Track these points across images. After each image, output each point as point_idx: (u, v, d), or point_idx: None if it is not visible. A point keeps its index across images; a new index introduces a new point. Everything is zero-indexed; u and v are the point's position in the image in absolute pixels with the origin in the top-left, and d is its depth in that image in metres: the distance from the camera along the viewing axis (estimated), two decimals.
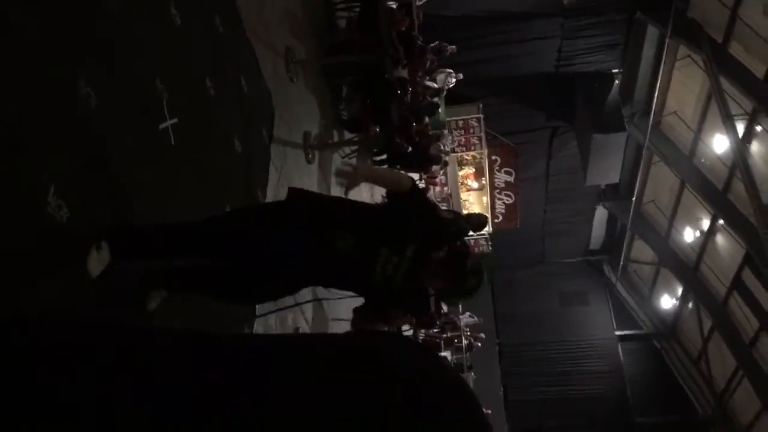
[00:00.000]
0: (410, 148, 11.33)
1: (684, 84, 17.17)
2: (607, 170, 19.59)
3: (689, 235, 19.51)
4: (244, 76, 5.70)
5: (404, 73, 10.43)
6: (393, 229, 2.99)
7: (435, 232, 3.13)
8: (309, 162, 7.87)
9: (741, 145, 14.21)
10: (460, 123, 20.29)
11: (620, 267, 25.04)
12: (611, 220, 25.08)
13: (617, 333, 25.83)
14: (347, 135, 10.77)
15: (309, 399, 1.07)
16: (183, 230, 3.12)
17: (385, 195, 3.23)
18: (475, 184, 22.73)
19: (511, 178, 22.16)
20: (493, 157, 21.57)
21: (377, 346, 1.27)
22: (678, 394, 23.62)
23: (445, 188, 19.76)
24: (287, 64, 7.36)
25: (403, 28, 10.39)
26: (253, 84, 5.94)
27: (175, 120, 3.82)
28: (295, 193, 3.27)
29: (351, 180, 2.98)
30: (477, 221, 7.28)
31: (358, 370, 1.16)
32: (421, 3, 13.16)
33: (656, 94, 17.68)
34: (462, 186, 22.24)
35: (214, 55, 4.98)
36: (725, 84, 14.30)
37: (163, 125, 3.73)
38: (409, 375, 1.15)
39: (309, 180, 7.66)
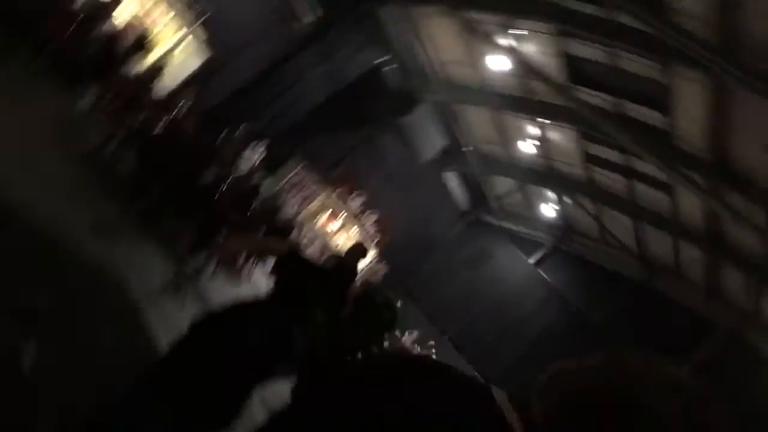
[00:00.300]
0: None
1: (441, 34, 18.31)
2: (430, 141, 20.46)
3: (529, 147, 20.71)
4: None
5: (211, 174, 10.37)
6: (293, 305, 2.99)
7: (331, 287, 3.15)
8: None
9: (516, 52, 15.39)
10: (291, 182, 20.43)
11: (494, 208, 26.20)
12: (463, 177, 26.18)
13: (531, 261, 26.88)
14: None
15: None
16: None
17: (270, 274, 3.21)
18: (338, 223, 22.88)
19: (362, 198, 22.52)
20: (338, 191, 21.83)
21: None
22: (611, 276, 24.86)
23: (314, 245, 19.77)
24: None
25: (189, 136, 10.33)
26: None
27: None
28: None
29: (222, 253, 3.04)
30: (357, 251, 7.30)
31: None
32: (188, 106, 13.13)
33: (424, 56, 18.77)
34: (327, 234, 22.31)
35: None
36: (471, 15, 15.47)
37: None
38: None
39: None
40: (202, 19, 15.93)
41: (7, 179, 5.26)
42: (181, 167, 8.51)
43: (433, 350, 19.40)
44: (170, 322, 6.10)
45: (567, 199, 23.82)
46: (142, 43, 12.43)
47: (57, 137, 7.83)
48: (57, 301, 4.38)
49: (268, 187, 17.04)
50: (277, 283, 3.17)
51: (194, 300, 7.22)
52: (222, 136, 13.74)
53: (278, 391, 2.94)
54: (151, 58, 13.50)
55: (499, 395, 1.21)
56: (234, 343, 2.94)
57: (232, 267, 10.00)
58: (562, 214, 25.00)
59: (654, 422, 1.03)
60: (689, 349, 19.10)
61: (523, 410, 1.14)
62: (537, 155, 21.15)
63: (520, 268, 26.88)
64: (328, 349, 3.02)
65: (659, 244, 21.87)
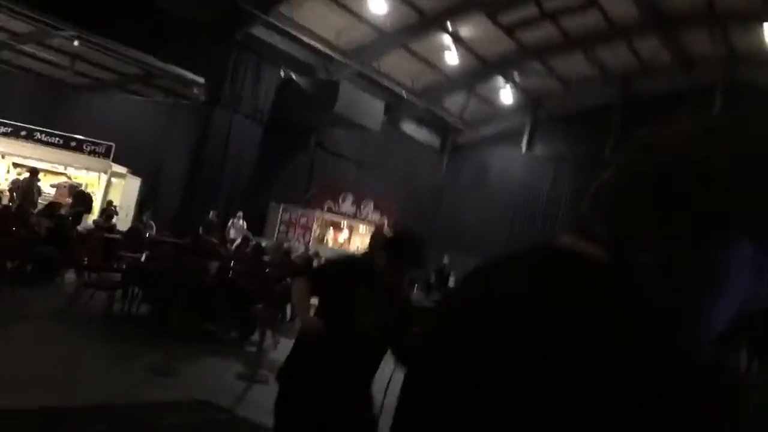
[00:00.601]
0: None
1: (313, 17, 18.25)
2: (370, 110, 20.34)
3: (453, 59, 20.65)
4: None
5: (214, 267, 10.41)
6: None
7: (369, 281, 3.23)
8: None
9: None
10: (287, 221, 20.59)
11: (462, 127, 26.22)
12: (418, 121, 26.18)
13: (523, 150, 26.93)
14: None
15: None
16: None
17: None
18: (345, 233, 22.97)
19: (350, 198, 22.56)
20: (325, 206, 21.86)
21: None
22: (597, 113, 24.89)
23: None
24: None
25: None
26: None
27: None
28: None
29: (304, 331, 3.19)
30: (381, 237, 7.37)
31: None
32: None
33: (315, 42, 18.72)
34: (343, 246, 22.41)
35: None
36: None
37: None
38: None
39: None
40: None
41: None
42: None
43: None
44: None
45: (516, 77, 23.83)
46: None
47: None
48: None
49: (270, 245, 17.04)
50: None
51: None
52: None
53: None
54: None
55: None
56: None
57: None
58: (519, 91, 24.97)
59: None
60: None
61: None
62: (462, 58, 21.15)
63: (518, 161, 26.89)
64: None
65: (617, 57, 21.92)
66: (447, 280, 16.27)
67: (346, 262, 3.57)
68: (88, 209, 15.02)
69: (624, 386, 0.65)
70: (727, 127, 0.83)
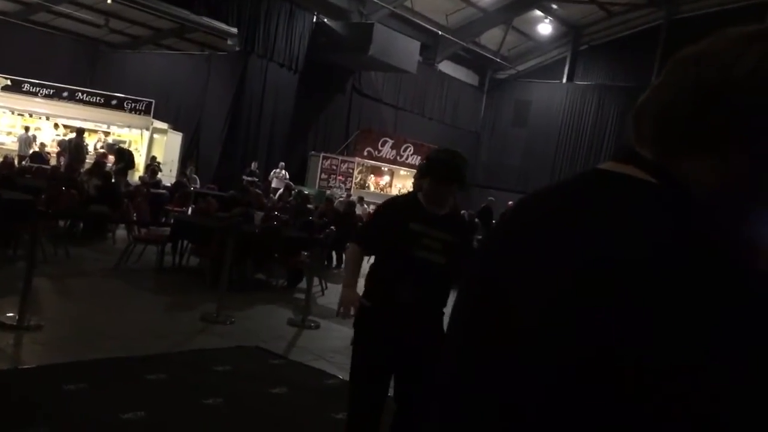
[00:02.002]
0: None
1: None
2: (406, 51, 20.00)
3: None
4: None
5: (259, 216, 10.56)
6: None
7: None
8: None
9: None
10: (328, 169, 20.70)
11: (502, 63, 25.58)
12: (457, 59, 25.66)
13: (564, 81, 26.26)
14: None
15: None
16: None
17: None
18: (386, 178, 22.98)
19: (390, 142, 22.45)
20: (365, 152, 21.83)
21: None
22: (640, 37, 24.01)
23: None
24: None
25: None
26: None
27: None
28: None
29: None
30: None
31: None
32: None
33: None
34: (384, 188, 22.44)
35: None
36: None
37: None
38: None
39: None
40: None
41: None
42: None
43: None
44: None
45: (553, 7, 23.03)
46: None
47: None
48: None
49: (312, 192, 17.14)
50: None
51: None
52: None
53: None
54: None
55: None
56: None
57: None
58: (558, 21, 24.18)
59: None
60: None
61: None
62: None
63: (558, 93, 26.27)
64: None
65: None
66: (491, 219, 16.17)
67: (389, 206, 3.47)
68: (131, 165, 15.27)
69: (702, 299, 0.60)
70: None
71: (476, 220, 16.64)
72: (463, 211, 6.16)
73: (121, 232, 10.57)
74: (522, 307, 0.70)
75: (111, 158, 15.89)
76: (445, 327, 3.08)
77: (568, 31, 25.03)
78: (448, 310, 2.92)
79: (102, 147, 18.12)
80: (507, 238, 0.81)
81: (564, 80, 26.15)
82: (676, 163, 0.73)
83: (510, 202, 17.24)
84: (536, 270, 0.71)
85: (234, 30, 17.94)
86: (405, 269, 3.08)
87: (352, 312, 3.20)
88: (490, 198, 18.24)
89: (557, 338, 0.65)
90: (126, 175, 14.62)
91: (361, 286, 3.31)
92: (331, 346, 6.34)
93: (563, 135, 25.76)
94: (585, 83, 25.72)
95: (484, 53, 25.41)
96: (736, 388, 0.58)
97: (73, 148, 15.92)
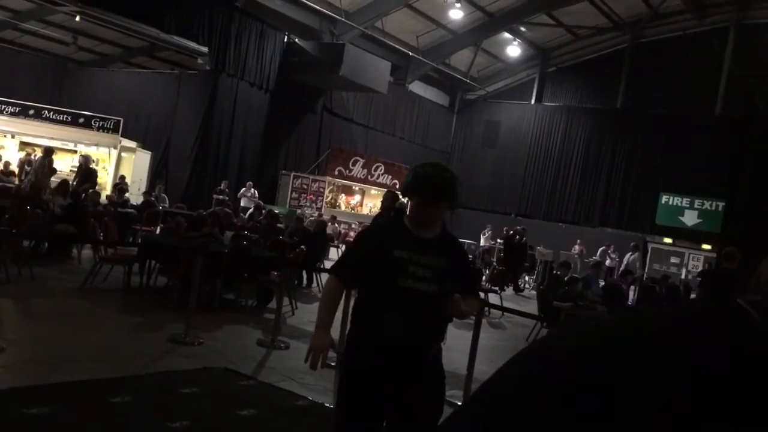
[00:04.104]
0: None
1: None
2: (377, 71, 20.14)
3: (457, 14, 20.32)
4: None
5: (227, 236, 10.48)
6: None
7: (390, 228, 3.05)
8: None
9: None
10: (299, 188, 20.64)
11: (471, 84, 25.92)
12: (427, 79, 25.88)
13: (532, 102, 26.66)
14: None
15: None
16: None
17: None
18: (357, 197, 23.00)
19: (361, 162, 22.51)
20: (336, 172, 21.84)
21: None
22: (605, 61, 24.49)
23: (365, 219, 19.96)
24: None
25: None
26: None
27: None
28: None
29: None
30: (391, 195, 7.46)
31: None
32: None
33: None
34: (354, 208, 22.47)
35: None
36: None
37: None
38: None
39: None
40: None
41: None
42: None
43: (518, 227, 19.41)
44: None
45: (521, 28, 23.44)
46: None
47: None
48: None
49: (282, 210, 17.06)
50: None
51: None
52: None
53: None
54: None
55: None
56: None
57: None
58: (526, 44, 24.60)
59: None
60: None
61: None
62: (467, 14, 20.88)
63: (527, 114, 26.65)
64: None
65: (624, 3, 21.47)
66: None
67: (371, 232, 3.23)
68: (93, 183, 15.00)
69: None
70: None
71: None
72: None
73: (87, 252, 10.40)
74: None
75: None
76: (443, 363, 2.85)
77: (537, 53, 25.47)
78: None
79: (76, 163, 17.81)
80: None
81: (533, 101, 26.55)
82: None
83: (507, 228, 17.26)
84: None
85: (204, 49, 17.91)
86: (392, 301, 2.77)
87: (319, 364, 2.79)
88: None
89: None
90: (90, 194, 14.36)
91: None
92: (301, 366, 6.27)
93: (532, 155, 26.08)
94: (553, 104, 26.14)
95: (455, 74, 25.71)
96: None
97: (39, 167, 15.65)
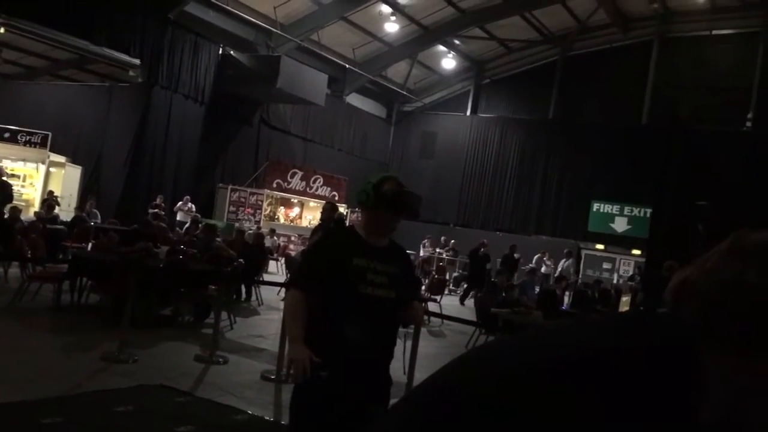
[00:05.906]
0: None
1: None
2: (314, 83, 20.16)
3: (392, 27, 20.54)
4: None
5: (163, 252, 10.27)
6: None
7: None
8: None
9: None
10: (236, 201, 20.41)
11: (408, 95, 26.20)
12: (364, 91, 26.04)
13: (467, 114, 27.12)
14: None
15: None
16: None
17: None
18: (296, 209, 22.89)
19: (299, 174, 22.42)
20: (274, 184, 21.69)
21: None
22: (539, 73, 25.16)
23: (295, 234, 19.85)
24: None
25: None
26: None
27: None
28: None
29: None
30: (330, 206, 7.48)
31: None
32: None
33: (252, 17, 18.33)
34: (294, 220, 22.35)
35: None
36: None
37: None
38: None
39: None
40: None
41: None
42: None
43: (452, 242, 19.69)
44: None
45: (455, 41, 23.88)
46: None
47: None
48: None
49: (220, 225, 16.82)
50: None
51: None
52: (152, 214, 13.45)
53: None
54: None
55: None
56: None
57: None
58: (461, 56, 25.05)
59: None
60: None
61: None
62: (402, 26, 21.17)
63: (463, 125, 27.08)
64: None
65: (553, 18, 22.12)
66: None
67: (326, 242, 3.27)
68: (9, 197, 14.38)
69: None
70: None
71: None
72: None
73: (14, 270, 10.03)
74: None
75: None
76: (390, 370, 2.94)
77: (471, 65, 25.97)
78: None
79: None
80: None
81: (468, 113, 27.02)
82: (704, 350, 0.72)
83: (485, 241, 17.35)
84: None
85: (137, 61, 17.54)
86: (353, 309, 2.82)
87: (305, 373, 2.69)
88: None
89: None
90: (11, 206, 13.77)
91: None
92: (240, 381, 6.22)
93: (468, 166, 26.51)
94: (488, 116, 26.67)
95: (391, 86, 25.95)
96: None
97: None
